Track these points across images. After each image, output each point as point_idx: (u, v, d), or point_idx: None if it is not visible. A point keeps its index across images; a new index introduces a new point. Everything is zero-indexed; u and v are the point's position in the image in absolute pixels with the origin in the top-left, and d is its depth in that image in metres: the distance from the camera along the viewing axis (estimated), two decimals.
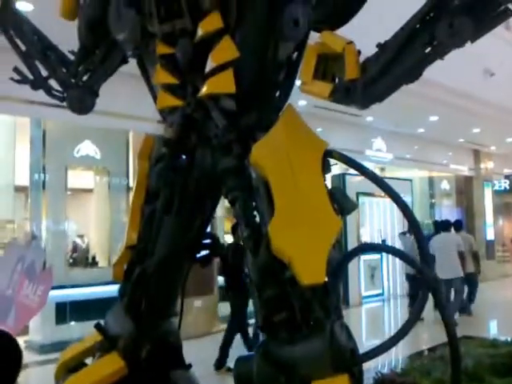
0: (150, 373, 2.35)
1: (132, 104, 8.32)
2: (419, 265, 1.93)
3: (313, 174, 1.97)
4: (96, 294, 8.82)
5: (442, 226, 11.53)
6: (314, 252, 1.80)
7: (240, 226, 2.10)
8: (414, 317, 1.91)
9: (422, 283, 1.96)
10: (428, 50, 1.82)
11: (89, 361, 2.51)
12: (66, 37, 2.68)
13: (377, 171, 18.31)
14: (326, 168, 2.04)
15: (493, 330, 11.55)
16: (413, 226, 1.95)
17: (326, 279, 1.83)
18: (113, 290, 2.62)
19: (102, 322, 2.48)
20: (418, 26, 1.79)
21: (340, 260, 1.99)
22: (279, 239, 1.82)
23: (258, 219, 2.04)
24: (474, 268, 11.71)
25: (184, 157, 2.28)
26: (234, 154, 2.11)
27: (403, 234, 12.88)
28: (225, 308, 11.18)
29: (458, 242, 11.13)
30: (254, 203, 2.07)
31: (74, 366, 2.45)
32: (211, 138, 2.16)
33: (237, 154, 2.10)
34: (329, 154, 2.05)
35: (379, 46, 1.87)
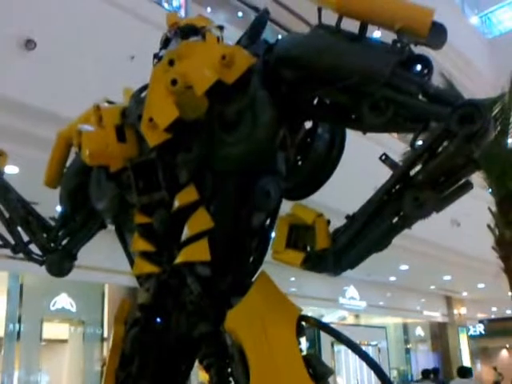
0: None
1: (108, 258, 8.37)
2: None
3: (287, 340, 1.98)
4: None
5: (460, 373, 12.14)
6: None
7: None
8: None
9: None
10: (395, 220, 1.90)
11: None
12: (50, 198, 2.78)
13: (351, 318, 18.18)
14: (300, 332, 2.06)
15: None
16: None
17: None
18: None
19: None
20: (385, 198, 1.88)
21: None
22: None
23: None
24: None
25: (159, 321, 2.28)
26: (209, 320, 2.12)
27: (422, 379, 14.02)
28: None
29: None
30: (229, 370, 2.06)
31: None
32: (187, 303, 2.17)
33: (212, 319, 2.11)
34: (303, 318, 2.08)
35: (348, 217, 1.96)
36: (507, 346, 27.99)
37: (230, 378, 2.06)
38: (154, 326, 2.26)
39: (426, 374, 13.93)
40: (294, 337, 2.01)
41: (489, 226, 7.00)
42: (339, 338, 2.05)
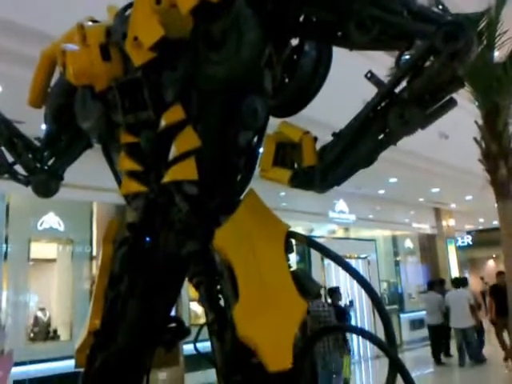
0: None
1: (96, 176, 8.35)
2: (386, 346, 1.95)
3: (276, 257, 2.01)
4: (57, 369, 8.54)
5: (456, 283, 14.43)
6: (280, 338, 1.81)
7: (204, 309, 2.11)
8: None
9: (389, 363, 1.97)
10: (381, 137, 1.91)
11: None
12: (35, 118, 2.73)
13: (341, 232, 18.53)
14: (288, 249, 2.08)
15: None
16: (378, 308, 1.99)
17: (293, 362, 1.83)
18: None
19: None
20: (370, 115, 1.88)
21: (306, 342, 2.00)
22: (244, 326, 1.82)
23: (222, 303, 2.06)
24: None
25: (148, 240, 2.30)
26: (197, 239, 2.14)
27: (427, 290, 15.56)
28: (191, 379, 10.92)
29: (469, 296, 13.66)
30: (218, 287, 2.09)
31: None
32: (175, 222, 2.19)
33: (200, 238, 2.12)
34: (291, 235, 2.10)
35: (334, 134, 1.96)
36: (494, 255, 28.83)
37: (220, 295, 2.09)
38: (142, 245, 2.28)
39: (431, 284, 15.09)
40: (283, 253, 2.03)
41: (475, 139, 7.01)
42: (327, 254, 2.07)
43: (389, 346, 1.95)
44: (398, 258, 21.59)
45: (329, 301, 10.10)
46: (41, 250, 11.36)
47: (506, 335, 12.52)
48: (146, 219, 2.23)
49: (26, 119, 2.77)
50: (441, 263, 21.14)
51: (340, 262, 2.04)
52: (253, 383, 1.86)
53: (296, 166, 2.04)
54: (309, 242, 2.12)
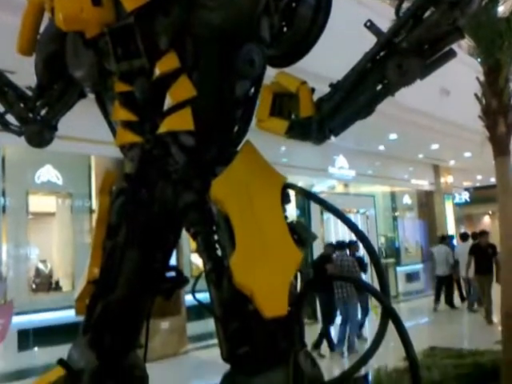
0: None
1: (93, 128, 8.29)
2: (381, 296, 1.99)
3: (272, 207, 2.02)
4: (60, 319, 8.68)
5: (464, 237, 15.65)
6: (276, 285, 1.84)
7: (202, 259, 2.13)
8: (376, 344, 1.96)
9: (383, 313, 2.01)
10: (379, 87, 1.90)
11: None
12: (26, 67, 2.69)
13: (340, 187, 18.57)
14: (285, 200, 2.09)
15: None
16: (374, 260, 2.02)
17: (289, 310, 1.87)
18: None
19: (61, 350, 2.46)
20: (368, 65, 1.86)
21: (301, 290, 2.04)
22: (240, 274, 1.85)
23: (219, 253, 2.08)
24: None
25: (145, 191, 2.30)
26: (194, 189, 2.14)
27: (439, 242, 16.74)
28: (193, 328, 11.13)
29: None
30: (215, 237, 2.11)
31: None
32: (171, 173, 2.19)
33: (197, 189, 2.13)
34: (288, 186, 2.10)
35: (332, 85, 1.95)
36: (490, 212, 28.98)
37: (217, 245, 2.10)
38: (139, 196, 2.28)
39: (442, 238, 16.19)
40: (279, 204, 2.04)
41: (476, 96, 6.95)
42: (324, 204, 2.09)
43: (382, 295, 1.98)
44: (396, 214, 21.73)
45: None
46: (40, 203, 11.35)
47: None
48: (141, 170, 2.23)
49: (16, 69, 2.71)
50: (438, 219, 21.28)
51: (338, 213, 2.04)
52: (249, 330, 1.90)
53: (293, 116, 2.03)
54: (304, 193, 2.13)
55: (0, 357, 9.21)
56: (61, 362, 2.40)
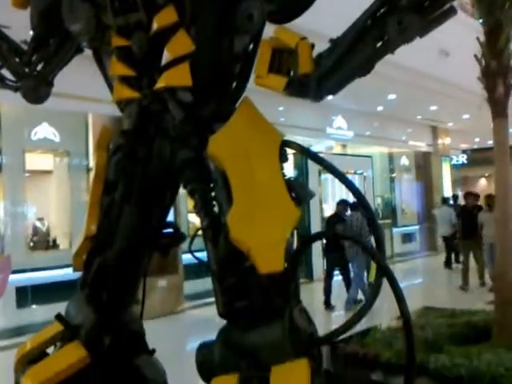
0: (114, 361, 2.38)
1: (90, 86, 8.22)
2: (376, 254, 2.00)
3: (270, 165, 2.01)
4: (57, 277, 8.77)
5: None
6: (272, 242, 1.85)
7: (200, 216, 2.13)
8: (370, 302, 1.97)
9: (377, 270, 2.03)
10: (379, 45, 1.88)
11: (50, 351, 2.51)
12: (21, 21, 2.64)
13: (338, 148, 18.55)
14: (283, 158, 2.08)
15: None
16: (370, 217, 2.02)
17: (285, 266, 1.88)
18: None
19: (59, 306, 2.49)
20: (368, 22, 1.84)
21: (298, 247, 2.05)
22: (237, 230, 1.86)
23: (217, 210, 2.08)
24: None
25: (142, 148, 2.29)
26: (191, 146, 2.13)
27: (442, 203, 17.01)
28: (190, 287, 11.27)
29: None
30: (212, 194, 2.11)
31: (34, 357, 2.44)
32: (169, 129, 2.17)
33: (195, 145, 2.11)
34: (286, 144, 2.09)
35: (331, 41, 1.92)
36: (486, 174, 29.03)
37: (214, 202, 2.10)
38: (136, 152, 2.27)
39: (444, 199, 16.40)
40: (277, 161, 2.03)
41: (476, 57, 6.87)
42: (322, 163, 2.07)
43: (378, 253, 2.00)
44: (393, 175, 21.83)
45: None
46: (37, 161, 11.36)
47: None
48: (139, 126, 2.21)
49: (11, 24, 2.66)
50: (435, 181, 21.38)
51: (334, 171, 2.03)
52: (245, 285, 1.92)
53: (292, 73, 2.00)
54: (302, 150, 2.11)
55: (0, 314, 9.33)
56: (58, 317, 2.43)
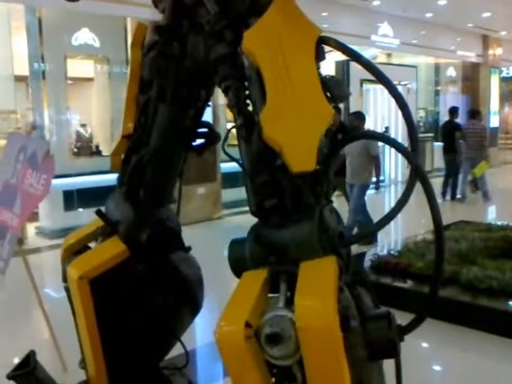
0: (151, 255, 2.46)
1: None
2: (409, 154, 1.95)
3: (306, 62, 1.94)
4: (101, 182, 8.99)
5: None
6: (305, 140, 1.82)
7: (233, 114, 2.11)
8: (401, 203, 1.94)
9: (411, 171, 1.98)
10: None
11: (92, 245, 2.63)
12: None
13: (383, 57, 17.96)
14: (320, 55, 2.01)
15: (491, 216, 11.88)
16: (406, 118, 1.94)
17: (317, 167, 1.87)
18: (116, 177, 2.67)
19: (103, 208, 2.57)
20: None
21: (332, 147, 2.02)
22: (270, 128, 1.84)
23: (250, 108, 2.06)
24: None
25: (176, 44, 2.25)
26: (226, 42, 2.07)
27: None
28: (227, 195, 11.45)
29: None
30: (247, 92, 2.08)
31: (78, 250, 2.57)
32: (203, 24, 2.12)
33: (229, 41, 2.06)
34: (323, 40, 2.00)
35: None
36: None
37: (248, 100, 2.07)
38: (170, 49, 2.24)
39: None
40: (313, 59, 1.96)
41: None
42: (360, 59, 1.98)
43: (412, 154, 1.95)
44: (438, 88, 21.11)
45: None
46: (78, 69, 11.43)
47: None
48: (173, 21, 2.17)
49: None
50: (481, 94, 20.64)
51: (374, 69, 1.93)
52: (277, 183, 1.92)
53: None
54: (342, 47, 2.02)
55: (50, 216, 9.73)
56: (99, 212, 2.52)
